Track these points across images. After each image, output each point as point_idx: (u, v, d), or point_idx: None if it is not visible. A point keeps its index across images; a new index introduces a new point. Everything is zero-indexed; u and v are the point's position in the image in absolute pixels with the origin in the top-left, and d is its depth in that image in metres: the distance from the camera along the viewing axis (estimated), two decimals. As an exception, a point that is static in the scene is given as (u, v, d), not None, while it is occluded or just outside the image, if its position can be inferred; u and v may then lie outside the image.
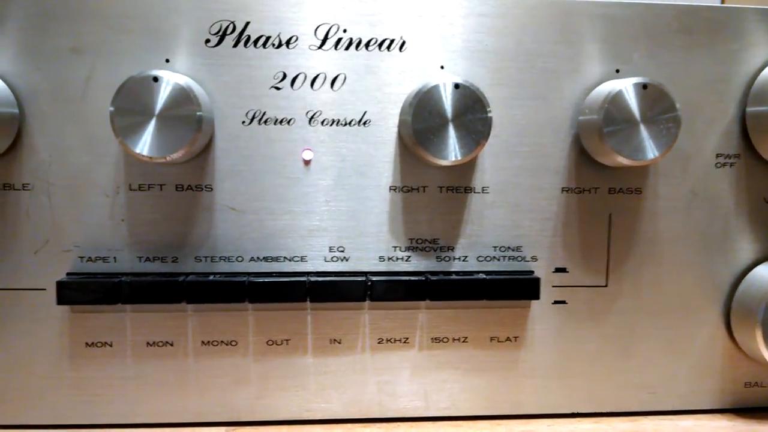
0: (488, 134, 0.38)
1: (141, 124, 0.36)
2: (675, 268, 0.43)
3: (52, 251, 0.39)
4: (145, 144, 0.36)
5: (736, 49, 0.42)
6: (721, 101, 0.42)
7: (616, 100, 0.38)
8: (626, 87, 0.38)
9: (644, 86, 0.38)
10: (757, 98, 0.41)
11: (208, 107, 0.38)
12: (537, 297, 0.41)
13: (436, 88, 0.37)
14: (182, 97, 0.36)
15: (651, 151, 0.38)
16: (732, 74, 0.42)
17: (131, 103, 0.36)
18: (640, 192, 0.42)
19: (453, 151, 0.37)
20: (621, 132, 0.38)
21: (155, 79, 0.36)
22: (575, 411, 0.43)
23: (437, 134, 0.37)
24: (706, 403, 0.44)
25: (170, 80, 0.36)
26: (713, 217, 0.43)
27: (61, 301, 0.38)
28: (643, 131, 0.38)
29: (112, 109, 0.36)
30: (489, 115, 0.38)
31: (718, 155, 0.42)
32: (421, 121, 0.37)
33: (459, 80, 0.37)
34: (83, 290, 0.38)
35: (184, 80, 0.37)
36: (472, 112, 0.38)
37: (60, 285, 0.38)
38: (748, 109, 0.42)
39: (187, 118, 0.36)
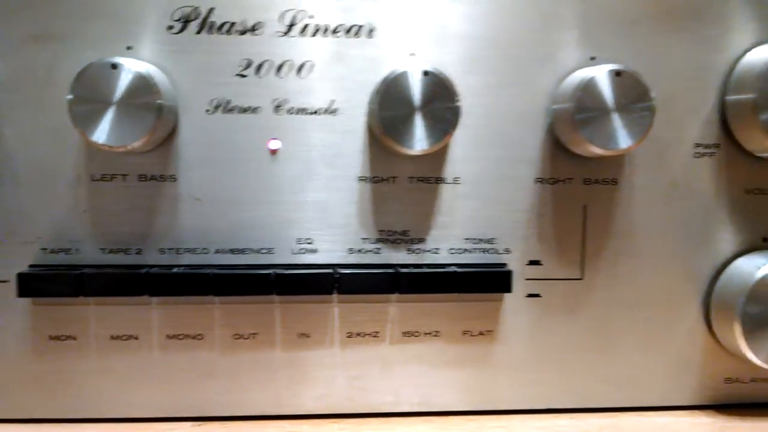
0: (457, 123, 0.37)
1: (99, 113, 0.35)
2: (652, 260, 0.42)
3: (15, 243, 0.39)
4: (103, 132, 0.35)
5: (716, 35, 0.41)
6: (701, 89, 0.41)
7: (588, 88, 0.37)
8: (599, 74, 0.37)
9: (618, 73, 0.37)
10: (737, 86, 0.40)
11: (170, 95, 0.37)
12: (509, 290, 0.40)
13: (403, 75, 0.37)
14: (142, 85, 0.35)
15: (624, 140, 0.37)
16: (711, 61, 0.41)
17: (89, 90, 0.35)
18: (615, 183, 0.41)
19: (420, 140, 0.37)
20: (594, 120, 0.37)
21: (114, 66, 0.35)
22: (550, 406, 0.42)
23: (405, 123, 0.37)
24: (686, 399, 0.43)
25: (130, 67, 0.35)
26: (692, 209, 0.41)
27: (22, 293, 0.37)
28: (617, 120, 0.37)
29: (70, 96, 0.35)
30: (458, 103, 0.37)
31: (697, 145, 0.41)
32: (389, 109, 0.36)
33: (428, 67, 0.37)
34: (45, 282, 0.38)
35: (144, 67, 0.36)
36: (441, 101, 0.37)
37: (21, 277, 0.37)
38: (728, 98, 0.41)
39: (146, 106, 0.35)
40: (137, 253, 0.39)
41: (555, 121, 0.39)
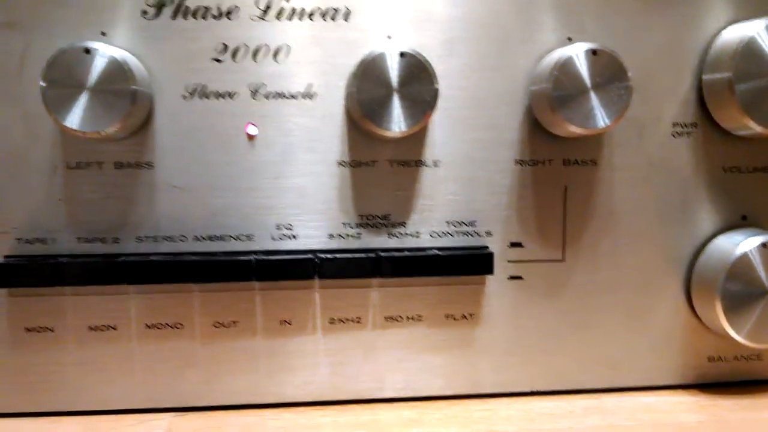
0: (435, 104, 0.37)
1: (72, 98, 0.35)
2: (633, 240, 0.42)
3: (-12, 233, 0.38)
4: (76, 118, 0.35)
5: (692, 14, 0.41)
6: (677, 69, 0.41)
7: (565, 67, 0.37)
8: (576, 53, 0.37)
9: (594, 52, 0.37)
10: (713, 65, 0.40)
11: (145, 81, 0.37)
12: (491, 272, 0.40)
13: (381, 56, 0.36)
14: (116, 70, 0.35)
15: (602, 119, 0.37)
16: (688, 40, 0.41)
17: (62, 76, 0.35)
18: (595, 163, 0.41)
19: (398, 122, 0.36)
20: (571, 100, 0.37)
21: (87, 50, 0.35)
22: (534, 389, 0.42)
23: (382, 105, 0.36)
24: (669, 378, 0.43)
25: (104, 52, 0.35)
26: (671, 188, 0.42)
27: (-4, 284, 0.37)
28: (594, 99, 0.37)
29: (42, 83, 0.34)
30: (436, 85, 0.37)
31: (674, 124, 0.41)
32: (366, 91, 0.36)
33: (404, 49, 0.36)
34: (21, 272, 0.37)
35: (118, 53, 0.35)
36: (419, 82, 0.36)
37: (-5, 268, 0.37)
38: (705, 77, 0.41)
39: (120, 91, 0.35)
40: (114, 242, 0.39)
41: (533, 102, 0.39)
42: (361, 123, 0.37)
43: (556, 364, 0.42)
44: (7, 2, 0.37)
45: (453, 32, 0.40)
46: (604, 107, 0.37)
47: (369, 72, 0.36)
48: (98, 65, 0.35)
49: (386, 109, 0.36)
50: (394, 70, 0.36)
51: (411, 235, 0.40)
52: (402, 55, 0.36)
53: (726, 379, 0.44)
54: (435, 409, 0.40)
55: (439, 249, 0.40)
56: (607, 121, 0.37)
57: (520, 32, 0.40)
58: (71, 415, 0.39)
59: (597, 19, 0.40)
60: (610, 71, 0.37)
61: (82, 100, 0.35)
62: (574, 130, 0.37)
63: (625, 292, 0.42)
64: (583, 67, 0.37)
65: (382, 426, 0.39)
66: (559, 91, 0.37)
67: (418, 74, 0.36)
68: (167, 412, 0.40)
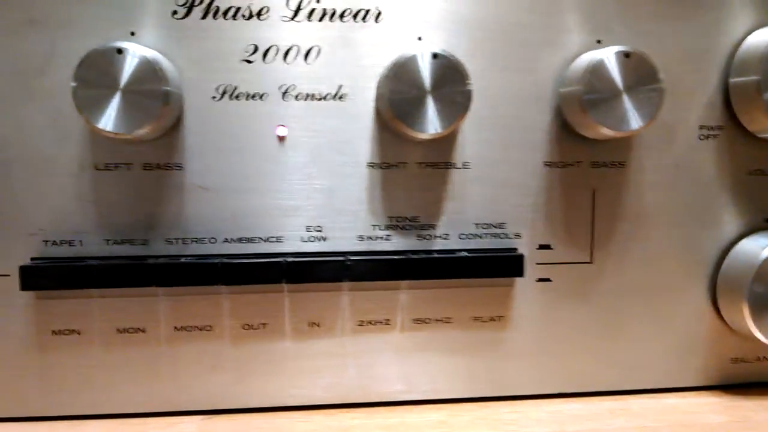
0: (468, 106, 0.36)
1: (105, 99, 0.34)
2: (659, 243, 0.42)
3: (16, 235, 0.37)
4: (109, 119, 0.34)
5: (719, 18, 0.41)
6: (704, 72, 0.41)
7: (597, 70, 0.37)
8: (608, 56, 0.37)
9: (627, 55, 0.37)
10: (739, 68, 0.41)
11: (176, 82, 0.36)
12: (521, 274, 0.40)
13: (414, 58, 0.36)
14: (148, 71, 0.34)
15: (635, 121, 0.37)
16: (715, 44, 0.41)
17: (94, 76, 0.34)
18: (623, 165, 0.41)
19: (432, 123, 0.36)
20: (603, 102, 0.37)
21: (119, 51, 0.34)
22: (560, 391, 0.42)
23: (415, 106, 0.36)
24: (693, 380, 0.43)
25: (135, 52, 0.34)
26: (697, 191, 0.42)
27: (25, 286, 0.36)
28: (626, 101, 0.37)
29: (74, 83, 0.34)
30: (469, 86, 0.36)
31: (701, 127, 0.42)
32: (399, 93, 0.36)
33: (438, 50, 0.36)
34: (48, 275, 0.37)
35: (150, 53, 0.35)
36: (452, 84, 0.36)
37: (23, 270, 0.36)
38: (731, 80, 0.41)
39: (153, 92, 0.34)
40: (143, 244, 0.38)
41: (563, 105, 0.39)
42: (393, 125, 0.37)
43: (583, 366, 0.42)
44: (34, 1, 0.36)
45: (481, 34, 0.39)
46: (637, 109, 0.37)
47: (402, 73, 0.36)
48: (130, 65, 0.34)
49: (419, 110, 0.36)
50: (427, 71, 0.36)
51: (440, 237, 0.40)
52: (435, 56, 0.36)
53: (749, 380, 0.44)
54: (463, 412, 0.40)
55: (469, 251, 0.40)
56: (640, 123, 0.37)
57: (547, 34, 0.40)
58: (98, 419, 0.39)
59: (624, 22, 0.40)
60: (642, 74, 0.37)
61: (115, 102, 0.34)
62: (606, 132, 0.37)
63: (651, 294, 0.42)
64: (615, 69, 0.37)
65: (411, 429, 0.38)
66: (591, 94, 0.37)
67: (451, 76, 0.36)
68: (195, 415, 0.39)
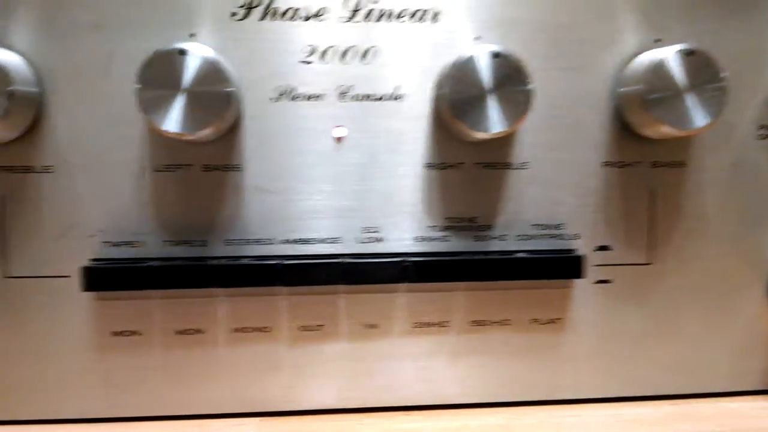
0: (529, 106, 0.36)
1: (168, 100, 0.34)
2: (718, 243, 0.41)
3: (76, 236, 0.38)
4: (173, 120, 0.34)
5: (779, 15, 0.40)
6: (761, 71, 0.40)
7: (659, 69, 0.36)
8: (670, 55, 0.36)
9: (689, 53, 0.36)
10: (801, 66, 0.40)
11: (236, 83, 0.36)
12: (581, 276, 0.39)
13: (474, 58, 0.36)
14: (211, 72, 0.35)
15: (699, 120, 0.36)
16: (775, 42, 0.40)
17: (158, 77, 0.34)
18: (683, 165, 0.40)
19: (494, 123, 0.36)
20: (666, 101, 0.36)
21: (182, 52, 0.34)
22: (619, 394, 0.41)
23: (477, 106, 0.36)
24: (751, 384, 0.42)
25: (198, 54, 0.34)
26: (756, 190, 0.41)
27: (87, 287, 0.37)
28: (689, 100, 0.36)
29: (138, 85, 0.34)
30: (530, 86, 0.36)
31: (760, 126, 0.41)
32: (460, 92, 0.36)
33: (498, 49, 0.36)
34: (110, 276, 0.37)
35: (212, 54, 0.35)
36: (513, 83, 0.36)
37: (85, 271, 0.37)
38: (793, 78, 0.40)
39: (216, 93, 0.35)
40: (201, 245, 0.38)
41: (623, 104, 0.39)
42: (453, 125, 0.37)
43: (641, 369, 0.41)
44: (94, 4, 0.37)
45: (538, 33, 0.39)
46: (700, 108, 0.36)
47: (462, 73, 0.36)
48: (193, 67, 0.34)
49: (481, 110, 0.36)
50: (488, 71, 0.36)
51: (497, 238, 0.40)
52: (496, 55, 0.36)
53: (810, 384, 0.43)
54: (522, 415, 0.40)
55: (527, 252, 0.39)
56: (705, 122, 0.36)
57: (604, 34, 0.39)
58: (157, 420, 0.39)
59: (682, 20, 0.40)
60: (705, 72, 0.36)
61: (178, 103, 0.34)
62: (669, 131, 0.37)
63: (710, 296, 0.41)
64: (677, 68, 0.36)
65: None
66: (654, 93, 0.36)
67: (512, 75, 0.36)
68: (253, 417, 0.39)
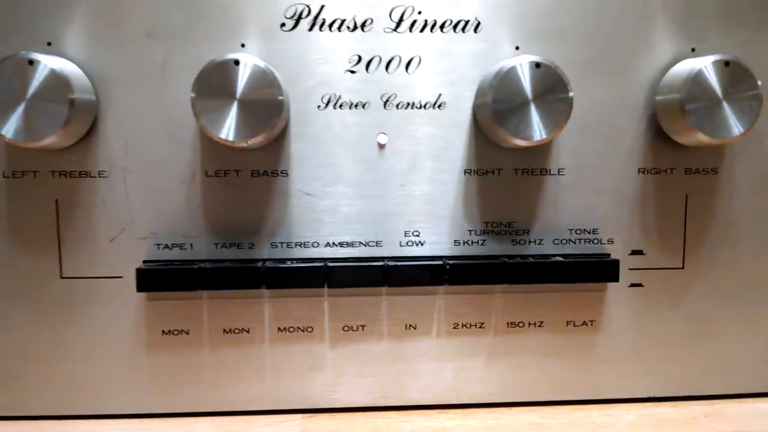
0: (569, 113, 0.37)
1: (223, 109, 0.36)
2: (750, 248, 0.42)
3: (129, 239, 0.39)
4: (228, 128, 0.35)
5: (812, 26, 0.41)
6: (797, 79, 0.41)
7: (698, 78, 0.37)
8: (708, 65, 0.37)
9: (726, 63, 0.37)
10: (833, 76, 0.41)
11: (285, 91, 0.38)
12: (616, 279, 0.40)
13: (516, 68, 0.37)
14: (264, 80, 0.36)
15: (736, 128, 0.37)
16: (808, 52, 0.41)
17: (213, 87, 0.36)
18: (716, 172, 0.41)
19: (536, 131, 0.37)
20: (703, 110, 0.37)
21: (236, 62, 0.36)
22: (653, 395, 0.43)
23: (519, 115, 0.37)
24: (783, 385, 0.44)
25: (251, 63, 0.36)
26: (789, 197, 0.42)
27: (141, 288, 0.38)
28: (726, 108, 0.38)
29: (193, 94, 0.35)
30: (570, 94, 0.37)
31: (792, 134, 0.42)
32: (502, 102, 0.37)
33: (539, 59, 0.37)
34: (163, 277, 0.38)
35: (263, 63, 0.36)
36: (553, 92, 0.37)
37: (140, 272, 0.38)
38: (825, 87, 0.41)
39: (268, 101, 0.36)
40: (249, 248, 0.40)
41: (660, 112, 0.40)
42: (494, 132, 0.38)
43: (674, 370, 0.42)
44: (148, 14, 0.38)
45: (575, 43, 0.40)
46: (736, 117, 0.37)
47: (505, 82, 0.37)
48: (246, 75, 0.36)
49: (523, 118, 0.37)
50: (529, 80, 0.37)
51: (534, 243, 0.41)
52: (537, 65, 0.37)
53: (838, 387, 0.44)
54: (556, 414, 0.41)
55: (563, 256, 0.40)
56: (740, 130, 0.37)
57: (641, 42, 0.41)
58: (205, 416, 0.40)
59: (717, 30, 0.41)
60: (741, 81, 0.37)
61: (232, 111, 0.36)
62: (706, 139, 0.38)
63: (742, 300, 0.42)
64: (714, 78, 0.37)
65: (508, 430, 0.39)
66: (691, 102, 0.37)
67: (552, 84, 0.37)
68: (297, 414, 0.41)
